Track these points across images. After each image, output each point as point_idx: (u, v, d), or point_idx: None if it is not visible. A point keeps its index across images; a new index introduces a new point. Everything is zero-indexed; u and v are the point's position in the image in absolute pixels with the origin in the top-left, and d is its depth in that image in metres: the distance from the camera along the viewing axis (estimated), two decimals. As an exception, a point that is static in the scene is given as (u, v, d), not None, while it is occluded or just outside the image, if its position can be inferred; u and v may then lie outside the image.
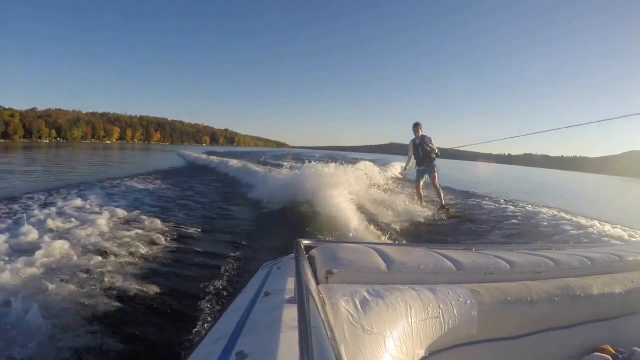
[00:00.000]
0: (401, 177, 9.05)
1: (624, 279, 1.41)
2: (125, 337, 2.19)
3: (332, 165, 7.83)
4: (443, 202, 6.93)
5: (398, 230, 5.51)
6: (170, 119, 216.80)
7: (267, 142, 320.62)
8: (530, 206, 7.54)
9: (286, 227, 5.38)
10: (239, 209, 7.10)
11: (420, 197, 7.24)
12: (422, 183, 7.22)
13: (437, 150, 6.91)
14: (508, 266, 1.32)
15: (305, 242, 1.30)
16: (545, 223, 5.64)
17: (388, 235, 4.92)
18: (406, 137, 7.30)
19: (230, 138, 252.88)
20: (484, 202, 8.36)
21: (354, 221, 5.11)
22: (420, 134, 7.03)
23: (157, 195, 7.48)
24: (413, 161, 7.26)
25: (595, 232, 5.17)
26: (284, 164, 10.04)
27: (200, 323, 2.35)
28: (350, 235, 4.61)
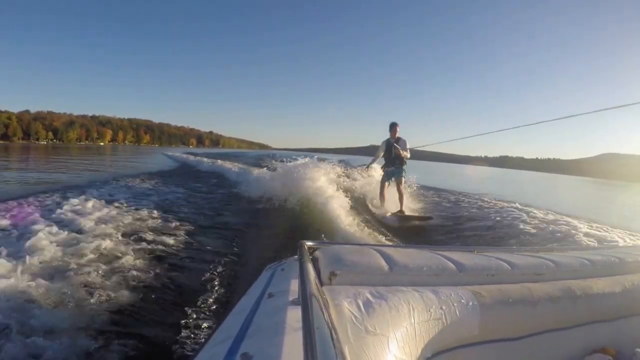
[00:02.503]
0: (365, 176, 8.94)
1: (624, 280, 1.43)
2: (129, 338, 2.18)
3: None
4: (402, 207, 6.65)
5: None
6: (157, 122, 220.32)
7: (251, 144, 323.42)
8: (527, 208, 7.51)
9: (284, 223, 5.45)
10: (236, 208, 7.09)
11: (382, 198, 7.01)
12: (387, 184, 7.01)
13: (408, 155, 6.76)
14: (509, 268, 1.33)
15: (309, 243, 1.30)
16: (544, 225, 5.67)
17: (389, 237, 4.96)
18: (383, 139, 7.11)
19: (216, 140, 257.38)
20: (478, 203, 8.39)
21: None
22: (397, 134, 6.90)
23: (150, 195, 7.44)
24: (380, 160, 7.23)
25: (595, 234, 5.20)
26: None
27: (204, 324, 2.35)
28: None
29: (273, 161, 10.05)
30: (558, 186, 35.54)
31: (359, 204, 7.03)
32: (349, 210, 5.87)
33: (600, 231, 5.47)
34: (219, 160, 18.79)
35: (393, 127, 6.85)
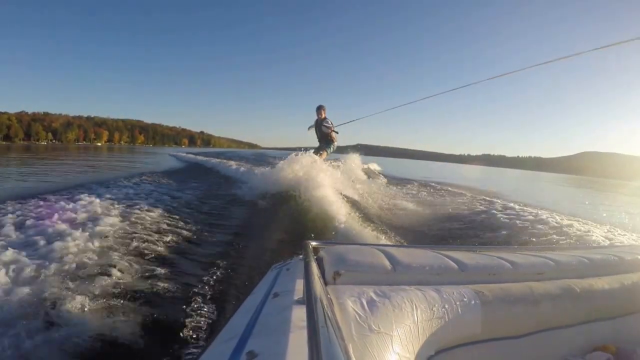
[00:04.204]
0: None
1: (624, 279, 1.44)
2: (133, 336, 2.18)
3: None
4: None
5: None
6: (150, 122, 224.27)
7: (240, 144, 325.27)
8: (527, 207, 7.54)
9: (289, 223, 5.46)
10: (240, 207, 7.04)
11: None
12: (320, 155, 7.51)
13: (331, 132, 7.37)
14: (511, 267, 1.34)
15: (313, 243, 1.32)
16: (545, 225, 5.67)
17: (390, 236, 4.93)
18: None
19: (207, 140, 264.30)
20: (477, 202, 8.43)
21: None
22: (323, 116, 7.44)
23: (154, 194, 7.31)
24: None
25: (595, 233, 5.21)
26: None
27: (211, 323, 2.35)
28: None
29: (274, 160, 10.03)
30: (549, 184, 35.68)
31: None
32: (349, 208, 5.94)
33: (600, 230, 5.49)
34: (219, 159, 18.98)
35: (319, 109, 7.49)
